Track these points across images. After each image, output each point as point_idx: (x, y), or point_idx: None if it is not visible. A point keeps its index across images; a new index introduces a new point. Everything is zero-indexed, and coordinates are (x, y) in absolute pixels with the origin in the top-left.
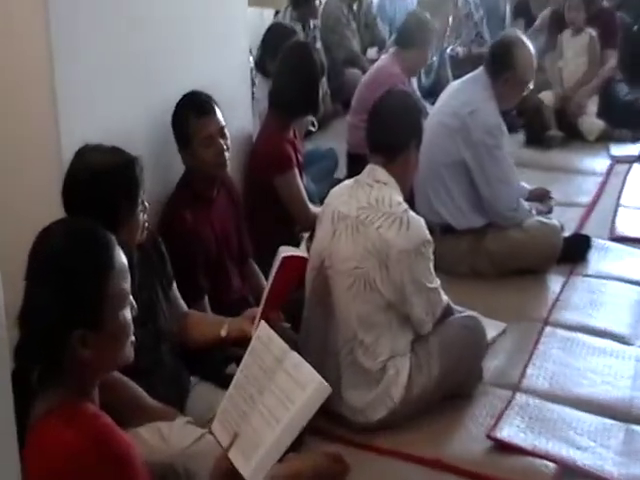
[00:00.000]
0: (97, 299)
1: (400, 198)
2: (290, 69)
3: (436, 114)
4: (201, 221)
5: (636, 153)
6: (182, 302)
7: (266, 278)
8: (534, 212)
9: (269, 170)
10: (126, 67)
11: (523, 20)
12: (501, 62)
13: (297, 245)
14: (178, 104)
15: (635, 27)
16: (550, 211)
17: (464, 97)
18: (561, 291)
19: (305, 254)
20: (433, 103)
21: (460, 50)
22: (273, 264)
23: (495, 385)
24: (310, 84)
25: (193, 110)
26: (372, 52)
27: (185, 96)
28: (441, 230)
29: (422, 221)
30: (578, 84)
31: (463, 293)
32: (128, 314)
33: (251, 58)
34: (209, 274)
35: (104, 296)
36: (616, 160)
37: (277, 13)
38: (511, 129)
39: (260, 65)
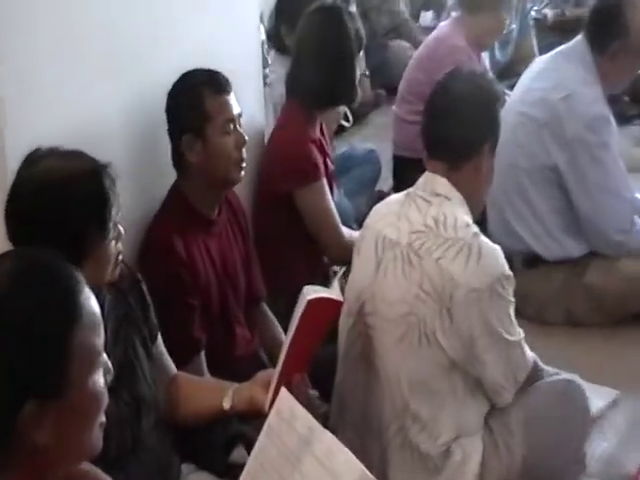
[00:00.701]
0: (58, 360)
1: (468, 218)
2: (315, 43)
3: (516, 102)
4: (197, 251)
5: None
6: (170, 362)
7: (284, 329)
8: None
9: (288, 181)
10: (93, 43)
11: None
12: (608, 28)
13: (327, 283)
14: (182, 81)
15: None
16: None
17: (555, 77)
18: None
19: (338, 296)
20: (512, 87)
21: (549, 12)
22: (295, 310)
23: (604, 477)
24: (342, 63)
25: (210, 85)
26: (427, 17)
27: (190, 72)
28: (524, 262)
29: (498, 250)
30: None
31: (556, 348)
32: (101, 380)
33: (262, 28)
34: (207, 323)
35: (68, 356)
36: None
37: None
38: (622, 121)
39: (274, 38)
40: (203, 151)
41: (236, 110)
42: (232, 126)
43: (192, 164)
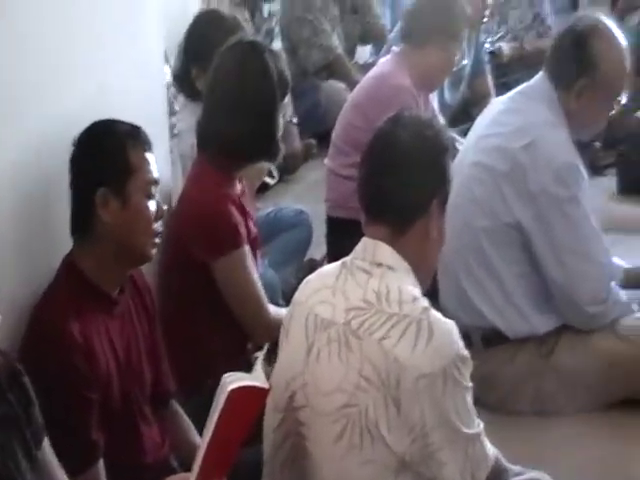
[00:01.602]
0: None
1: (416, 291)
2: (229, 87)
3: (470, 151)
4: (96, 335)
5: None
6: (60, 471)
7: (198, 428)
8: (636, 306)
9: (203, 250)
10: None
11: None
12: (572, 62)
13: (249, 370)
14: (98, 129)
15: None
16: None
17: (515, 121)
18: None
19: (264, 382)
20: (465, 133)
21: (505, 46)
22: (214, 404)
23: None
24: (262, 112)
25: (134, 138)
26: (364, 53)
27: (106, 121)
28: (484, 339)
29: (452, 326)
30: None
31: (522, 442)
32: None
33: (167, 69)
34: (107, 423)
35: None
36: None
37: None
38: (595, 171)
39: (183, 80)
40: (121, 211)
41: (156, 174)
42: (153, 191)
43: (105, 225)
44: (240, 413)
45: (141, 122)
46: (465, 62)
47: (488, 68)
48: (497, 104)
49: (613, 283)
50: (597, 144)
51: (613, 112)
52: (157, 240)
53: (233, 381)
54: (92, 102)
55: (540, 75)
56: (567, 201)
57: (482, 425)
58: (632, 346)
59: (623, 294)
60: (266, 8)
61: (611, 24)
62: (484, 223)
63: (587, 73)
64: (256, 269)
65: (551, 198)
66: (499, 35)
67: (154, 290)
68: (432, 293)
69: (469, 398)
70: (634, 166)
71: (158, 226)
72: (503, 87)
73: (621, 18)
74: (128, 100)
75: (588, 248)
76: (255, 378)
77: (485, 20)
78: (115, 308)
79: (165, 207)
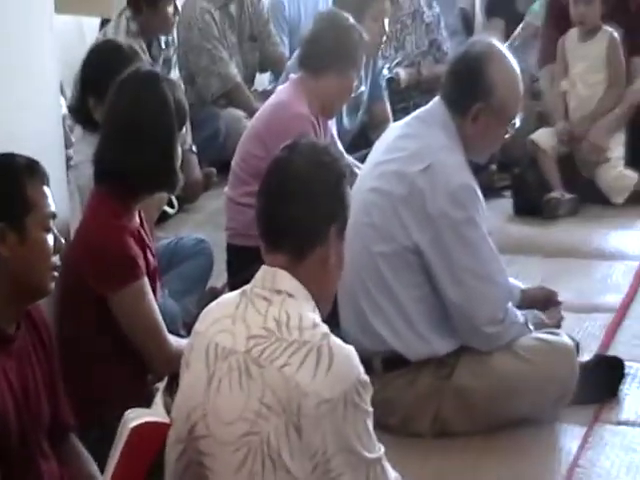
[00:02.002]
0: None
1: (316, 317)
2: (125, 117)
3: (368, 177)
4: None
5: None
6: None
7: (99, 462)
8: (531, 326)
9: (101, 283)
10: None
11: (502, 20)
12: (467, 87)
13: (149, 402)
14: None
15: None
16: (559, 323)
17: (412, 146)
18: (580, 450)
19: (164, 417)
20: (363, 159)
21: (402, 72)
22: (116, 440)
23: None
24: (159, 142)
25: (32, 173)
26: (263, 80)
27: (3, 155)
28: (383, 363)
29: (352, 351)
30: (593, 115)
31: (423, 464)
32: None
33: (63, 101)
34: (5, 460)
35: None
36: None
37: (105, 24)
38: (490, 193)
39: (79, 111)
40: (19, 246)
41: (54, 207)
42: (51, 224)
43: (3, 260)
44: (142, 449)
45: (37, 154)
46: (363, 88)
47: (386, 94)
48: (394, 130)
49: (510, 304)
50: (493, 167)
51: (507, 135)
52: (55, 274)
53: (134, 418)
54: None
55: (436, 100)
56: (464, 223)
57: (383, 449)
58: (529, 366)
59: (520, 315)
60: (163, 37)
61: (504, 49)
62: (382, 248)
63: (482, 98)
64: (156, 301)
65: (449, 220)
66: (396, 61)
67: (51, 323)
68: (332, 319)
69: (370, 422)
70: (529, 187)
71: (56, 259)
72: (402, 112)
73: (520, 45)
74: (23, 132)
75: (485, 269)
76: (155, 413)
77: (382, 46)
78: (12, 345)
79: (63, 240)
